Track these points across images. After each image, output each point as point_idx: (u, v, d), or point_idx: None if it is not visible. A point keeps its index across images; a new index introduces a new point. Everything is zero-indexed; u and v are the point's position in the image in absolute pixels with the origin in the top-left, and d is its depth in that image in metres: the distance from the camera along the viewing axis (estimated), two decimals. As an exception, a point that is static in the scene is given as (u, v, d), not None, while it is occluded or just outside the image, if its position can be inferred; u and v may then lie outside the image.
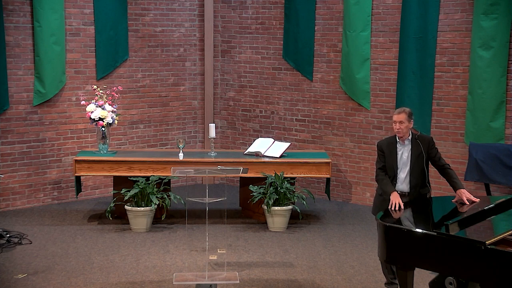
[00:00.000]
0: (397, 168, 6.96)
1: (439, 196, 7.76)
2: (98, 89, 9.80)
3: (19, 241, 8.75)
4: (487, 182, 9.30)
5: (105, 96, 9.71)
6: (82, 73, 10.74)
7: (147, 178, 9.37)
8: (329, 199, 10.08)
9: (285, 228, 9.39)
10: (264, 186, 9.41)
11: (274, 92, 11.40)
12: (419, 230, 5.91)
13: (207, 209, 7.55)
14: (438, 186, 9.34)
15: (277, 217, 9.32)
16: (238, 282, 7.19)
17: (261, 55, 11.47)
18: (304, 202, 9.46)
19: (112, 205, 9.36)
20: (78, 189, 9.78)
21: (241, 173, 7.44)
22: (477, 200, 6.71)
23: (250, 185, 9.52)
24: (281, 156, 9.64)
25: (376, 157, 7.13)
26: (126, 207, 9.30)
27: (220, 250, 8.48)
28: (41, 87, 10.31)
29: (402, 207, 6.64)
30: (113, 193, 9.66)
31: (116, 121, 9.72)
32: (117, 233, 9.18)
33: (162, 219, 9.35)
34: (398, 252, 6.08)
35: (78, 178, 9.75)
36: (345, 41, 10.53)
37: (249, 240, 8.97)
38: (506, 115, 9.44)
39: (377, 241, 6.33)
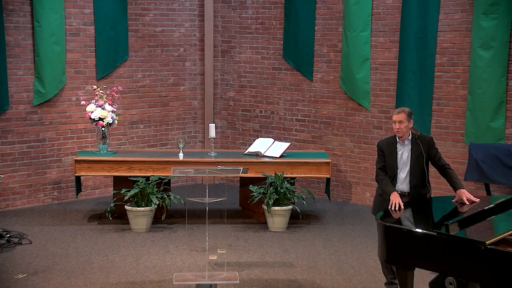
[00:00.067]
0: (397, 168, 6.96)
1: (439, 196, 7.75)
2: (98, 89, 9.80)
3: (19, 241, 8.75)
4: (487, 182, 9.30)
5: (105, 96, 9.71)
6: (82, 73, 10.74)
7: (147, 178, 9.37)
8: (329, 199, 10.08)
9: (285, 228, 9.39)
10: (264, 186, 9.41)
11: (274, 92, 11.40)
12: (419, 230, 5.91)
13: (207, 209, 7.55)
14: (438, 186, 9.34)
15: (277, 217, 9.32)
16: (238, 282, 7.19)
17: (261, 55, 11.47)
18: (304, 202, 9.46)
19: (112, 205, 9.36)
20: (78, 189, 9.78)
21: (241, 173, 7.44)
22: (477, 200, 6.70)
23: (250, 185, 9.52)
24: (281, 156, 9.64)
25: (376, 157, 7.13)
26: (126, 207, 9.30)
27: (220, 250, 8.48)
28: (41, 87, 10.31)
29: (402, 207, 6.64)
30: (113, 193, 9.66)
31: (116, 121, 9.72)
32: (117, 233, 9.18)
33: (162, 219, 9.35)
34: (398, 252, 6.07)
35: (78, 178, 9.75)
36: (345, 41, 10.53)
37: (249, 240, 8.97)
38: (506, 115, 9.44)
39: (377, 241, 6.33)
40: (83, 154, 9.76)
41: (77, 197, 10.05)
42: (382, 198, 6.95)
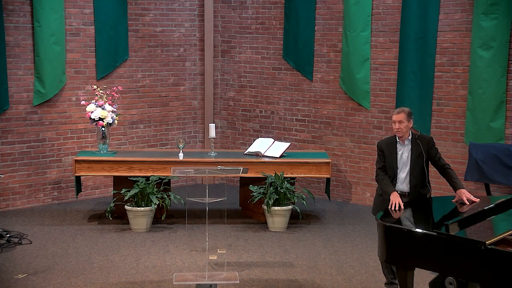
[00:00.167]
0: (397, 168, 6.96)
1: (439, 196, 7.75)
2: (98, 89, 9.80)
3: (19, 241, 8.75)
4: (487, 182, 9.30)
5: (105, 96, 9.71)
6: (82, 73, 10.74)
7: (147, 178, 9.37)
8: (329, 199, 10.09)
9: (285, 228, 9.39)
10: (264, 186, 9.41)
11: (274, 92, 11.40)
12: (419, 230, 5.91)
13: (207, 209, 7.55)
14: (438, 186, 9.34)
15: (277, 217, 9.32)
16: (238, 282, 7.19)
17: (261, 55, 11.47)
18: (304, 202, 9.46)
19: (112, 205, 9.36)
20: (78, 189, 9.78)
21: (241, 173, 7.44)
22: (477, 200, 6.70)
23: (250, 185, 9.52)
24: (281, 156, 9.64)
25: (376, 157, 7.13)
26: (126, 207, 9.30)
27: (220, 250, 8.48)
28: (41, 87, 10.31)
29: (402, 207, 6.64)
30: (113, 193, 9.66)
31: (116, 121, 9.72)
32: (117, 233, 9.18)
33: (162, 219, 9.35)
34: (398, 252, 6.07)
35: (78, 178, 9.75)
36: (345, 41, 10.53)
37: (249, 240, 8.97)
38: (506, 115, 9.44)
39: (377, 241, 6.33)
40: (83, 154, 9.76)
41: (77, 197, 10.05)
42: (382, 198, 6.95)
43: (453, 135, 9.92)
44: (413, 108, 8.43)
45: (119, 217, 9.65)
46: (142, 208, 9.21)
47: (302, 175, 9.65)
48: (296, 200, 9.48)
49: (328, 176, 9.63)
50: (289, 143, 9.96)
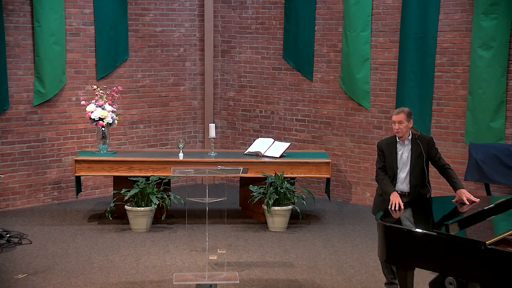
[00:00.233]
0: (397, 168, 6.96)
1: (439, 196, 7.75)
2: (98, 89, 9.80)
3: (19, 241, 8.75)
4: (487, 182, 9.30)
5: (105, 96, 9.71)
6: (82, 73, 10.74)
7: (147, 178, 9.37)
8: (329, 199, 10.09)
9: (285, 228, 9.39)
10: (264, 186, 9.41)
11: (274, 92, 11.40)
12: (419, 230, 5.91)
13: (207, 209, 7.55)
14: (438, 186, 9.34)
15: (277, 217, 9.32)
16: (238, 282, 7.19)
17: (261, 55, 11.47)
18: (304, 202, 9.46)
19: (112, 205, 9.36)
20: (78, 189, 9.78)
21: (241, 173, 7.44)
22: (477, 200, 6.70)
23: (250, 185, 9.52)
24: (281, 156, 9.64)
25: (376, 157, 7.14)
26: (126, 207, 9.30)
27: (220, 250, 8.48)
28: (41, 87, 10.31)
29: (402, 207, 6.64)
30: (113, 193, 9.66)
31: (116, 121, 9.72)
32: (117, 233, 9.18)
33: (162, 219, 9.35)
34: (398, 252, 6.07)
35: (78, 178, 9.75)
36: (345, 41, 10.53)
37: (249, 240, 8.97)
38: (506, 115, 9.44)
39: (377, 241, 6.33)
40: (83, 154, 9.76)
41: (77, 197, 10.05)
42: (382, 198, 6.95)
43: (453, 135, 9.91)
44: (413, 108, 8.43)
45: (119, 217, 9.65)
46: (142, 208, 9.21)
47: (302, 175, 9.65)
48: (296, 200, 9.48)
49: (328, 176, 9.62)
50: (289, 143, 9.96)
